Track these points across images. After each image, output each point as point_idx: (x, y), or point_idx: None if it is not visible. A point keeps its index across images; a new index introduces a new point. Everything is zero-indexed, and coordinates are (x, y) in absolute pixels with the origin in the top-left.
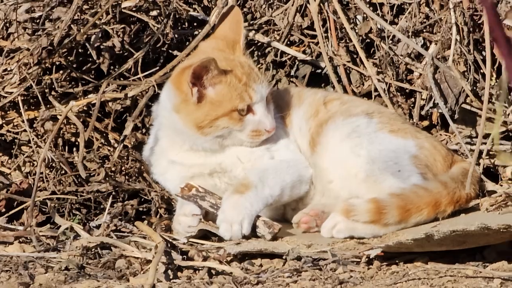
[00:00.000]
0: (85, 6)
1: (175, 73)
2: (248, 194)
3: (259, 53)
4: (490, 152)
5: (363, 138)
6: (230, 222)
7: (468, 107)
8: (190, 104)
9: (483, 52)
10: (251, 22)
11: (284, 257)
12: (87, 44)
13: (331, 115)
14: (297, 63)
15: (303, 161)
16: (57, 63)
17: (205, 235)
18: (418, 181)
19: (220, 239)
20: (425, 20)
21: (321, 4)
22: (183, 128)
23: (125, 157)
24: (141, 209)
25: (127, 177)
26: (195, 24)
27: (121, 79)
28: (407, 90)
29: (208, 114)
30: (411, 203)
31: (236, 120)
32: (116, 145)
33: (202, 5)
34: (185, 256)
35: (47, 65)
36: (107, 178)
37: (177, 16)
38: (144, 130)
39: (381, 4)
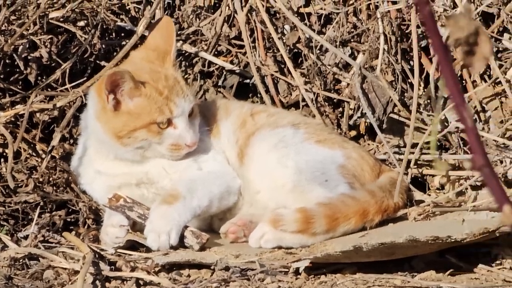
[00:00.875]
0: (13, 17)
1: (98, 80)
2: (177, 205)
3: (187, 63)
4: (418, 162)
5: (290, 148)
6: (158, 232)
7: (396, 116)
8: (108, 112)
9: (411, 62)
10: (178, 32)
11: (212, 267)
12: (14, 55)
13: (258, 127)
14: (224, 73)
15: (231, 172)
16: None
17: (133, 245)
18: (346, 190)
19: (148, 250)
20: (352, 30)
21: (248, 14)
22: (104, 137)
23: (53, 168)
24: (69, 219)
25: (55, 188)
26: (122, 34)
27: (49, 89)
28: (335, 100)
29: (126, 125)
30: (339, 212)
31: (155, 133)
32: (44, 155)
33: (129, 16)
34: (113, 267)
35: None
36: (35, 189)
37: (104, 26)
38: (71, 141)
39: (309, 14)
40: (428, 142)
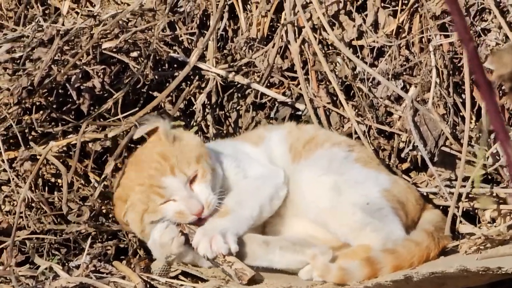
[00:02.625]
0: (66, 47)
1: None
2: (227, 218)
3: (239, 95)
4: (469, 195)
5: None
6: (210, 236)
7: (447, 149)
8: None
9: (463, 95)
10: (231, 64)
11: None
12: (67, 85)
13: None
14: (277, 104)
15: (275, 169)
16: (37, 103)
17: (185, 272)
18: (389, 214)
19: (202, 280)
20: (405, 63)
21: (301, 46)
22: None
23: (105, 198)
24: (120, 248)
25: (106, 218)
26: (175, 65)
27: (101, 119)
28: (387, 133)
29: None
30: (405, 260)
31: (156, 212)
32: (96, 185)
33: (182, 47)
34: None
35: (27, 105)
36: (90, 219)
37: (157, 57)
38: None
39: (361, 47)
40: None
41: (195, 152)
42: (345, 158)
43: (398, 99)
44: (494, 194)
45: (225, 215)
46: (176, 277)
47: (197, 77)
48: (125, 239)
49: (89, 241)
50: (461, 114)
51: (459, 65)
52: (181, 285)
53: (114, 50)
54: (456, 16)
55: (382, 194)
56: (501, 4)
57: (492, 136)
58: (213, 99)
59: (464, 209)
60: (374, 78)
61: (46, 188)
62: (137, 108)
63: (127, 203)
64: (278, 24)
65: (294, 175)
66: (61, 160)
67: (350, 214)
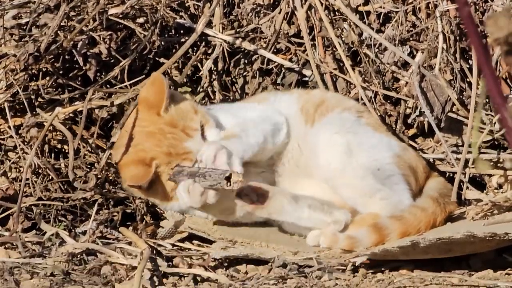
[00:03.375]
0: (72, 13)
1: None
2: (233, 140)
3: (246, 61)
4: (475, 164)
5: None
6: (215, 149)
7: (454, 115)
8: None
9: (470, 61)
10: (237, 30)
11: (270, 263)
12: (73, 51)
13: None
14: (283, 71)
15: (275, 111)
16: (44, 69)
17: (191, 235)
18: (400, 182)
19: (206, 241)
20: (411, 29)
21: (308, 12)
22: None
23: (111, 165)
24: (128, 212)
25: (112, 185)
26: (181, 31)
27: (108, 86)
28: (393, 99)
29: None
30: (411, 226)
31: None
32: (102, 152)
33: (189, 13)
34: (170, 263)
35: (33, 71)
36: (95, 186)
37: (163, 23)
38: None
39: (368, 12)
40: (486, 141)
41: (189, 106)
42: (355, 122)
43: (405, 65)
44: (501, 160)
45: (231, 137)
46: (182, 241)
47: (203, 43)
48: (131, 205)
49: (95, 207)
50: (468, 80)
51: (465, 31)
52: (188, 248)
53: (121, 16)
54: None
55: (394, 160)
56: None
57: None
58: (220, 65)
59: (471, 175)
60: (380, 44)
61: (53, 155)
62: (143, 75)
63: (152, 167)
64: None
65: (307, 137)
66: (67, 127)
67: (360, 177)
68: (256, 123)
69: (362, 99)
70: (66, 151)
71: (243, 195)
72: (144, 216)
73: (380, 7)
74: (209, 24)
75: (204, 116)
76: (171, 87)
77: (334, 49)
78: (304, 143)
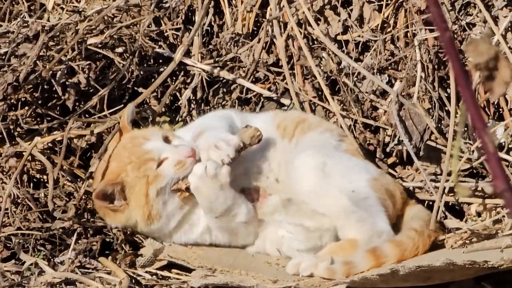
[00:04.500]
0: (51, 43)
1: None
2: (207, 132)
3: (225, 90)
4: (455, 190)
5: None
6: (213, 142)
7: (433, 144)
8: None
9: (448, 89)
10: (216, 59)
11: None
12: (52, 80)
13: (311, 122)
14: (262, 99)
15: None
16: (23, 99)
17: (170, 264)
18: (374, 203)
19: (184, 269)
20: (390, 57)
21: (287, 41)
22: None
23: (90, 194)
24: (107, 241)
25: (91, 214)
26: (160, 61)
27: (86, 115)
28: (372, 127)
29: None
30: (408, 254)
31: (158, 177)
32: (81, 182)
33: (167, 42)
34: None
35: (12, 101)
36: (74, 216)
37: (142, 53)
38: None
39: (347, 41)
40: (464, 170)
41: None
42: (336, 147)
43: (384, 94)
44: (480, 188)
45: (202, 134)
46: (161, 269)
47: (182, 73)
48: (110, 234)
49: (74, 237)
50: (446, 108)
51: (444, 59)
52: (167, 277)
53: (100, 45)
54: (431, 6)
55: (370, 183)
56: None
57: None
58: (199, 95)
59: (450, 204)
60: (359, 73)
61: (31, 184)
62: (122, 105)
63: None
64: (264, 19)
65: (286, 153)
66: (46, 157)
67: (335, 199)
68: (212, 118)
69: (341, 127)
70: (45, 180)
71: (246, 195)
72: (123, 246)
73: (359, 36)
74: (188, 54)
75: (167, 132)
76: (150, 116)
77: (313, 77)
78: (282, 158)
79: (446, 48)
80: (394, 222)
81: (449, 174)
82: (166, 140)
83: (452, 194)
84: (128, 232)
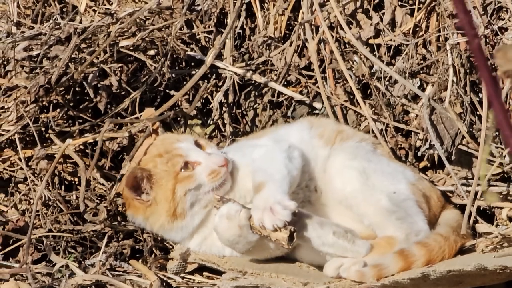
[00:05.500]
0: (83, 45)
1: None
2: (267, 188)
3: (256, 93)
4: (484, 195)
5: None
6: (267, 208)
7: (464, 148)
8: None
9: (480, 94)
10: (248, 63)
11: None
12: (84, 83)
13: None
14: (293, 103)
15: (275, 139)
16: (54, 101)
17: (201, 267)
18: (413, 206)
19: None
20: (422, 62)
21: (319, 44)
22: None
23: (121, 196)
24: (137, 247)
25: (123, 218)
26: (192, 64)
27: (118, 118)
28: (403, 131)
29: (166, 200)
30: (436, 255)
31: (188, 178)
32: (112, 184)
33: (199, 45)
34: None
35: (44, 103)
36: (106, 219)
37: (174, 55)
38: None
39: (378, 45)
40: (496, 174)
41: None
42: (373, 151)
43: (415, 98)
44: (499, 201)
45: (262, 188)
46: (192, 273)
47: (214, 76)
48: (140, 239)
49: (105, 240)
50: (478, 113)
51: (475, 63)
52: (198, 281)
53: (131, 48)
54: (460, 13)
55: (408, 186)
56: None
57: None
58: (230, 98)
59: (481, 208)
60: (391, 77)
61: (63, 187)
62: (154, 107)
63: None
64: (295, 23)
65: (327, 162)
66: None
67: (377, 198)
68: (269, 159)
69: (373, 131)
70: (76, 183)
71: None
72: (153, 249)
73: (391, 40)
74: (220, 57)
75: (200, 139)
76: (182, 119)
77: (345, 81)
78: (322, 166)
79: (474, 55)
80: (430, 224)
81: (481, 178)
82: (197, 145)
83: (483, 199)
84: (159, 238)
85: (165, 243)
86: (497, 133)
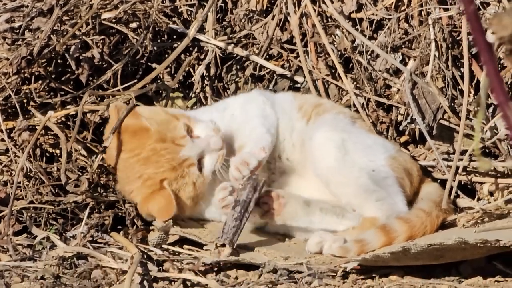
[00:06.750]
0: (65, 17)
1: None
2: (247, 146)
3: (238, 67)
4: (467, 169)
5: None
6: (241, 160)
7: (446, 123)
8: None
9: (462, 69)
10: (230, 36)
11: (260, 269)
12: (66, 55)
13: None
14: (275, 77)
15: (251, 94)
16: (36, 73)
17: (183, 239)
18: (394, 184)
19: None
20: (404, 36)
21: (301, 18)
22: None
23: (103, 169)
24: (119, 216)
25: (103, 189)
26: (174, 36)
27: (100, 90)
28: (385, 106)
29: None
30: (417, 230)
31: (203, 180)
32: (94, 156)
33: (181, 18)
34: (161, 267)
35: (26, 75)
36: (87, 190)
37: (156, 28)
38: None
39: (361, 20)
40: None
41: (168, 116)
42: (351, 124)
43: (397, 72)
44: (492, 168)
45: (243, 147)
46: (173, 245)
47: (196, 49)
48: (122, 209)
49: (87, 211)
50: (459, 87)
51: (458, 38)
52: (179, 253)
53: (114, 20)
54: None
55: (389, 161)
56: None
57: (490, 109)
58: (212, 71)
59: (462, 183)
60: (373, 51)
61: (44, 158)
62: (135, 80)
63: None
64: None
65: (303, 134)
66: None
67: (355, 177)
68: (244, 119)
69: (354, 105)
70: (58, 155)
71: (262, 203)
72: (135, 221)
73: (373, 14)
74: (202, 30)
75: (184, 117)
76: (164, 91)
77: (327, 55)
78: (299, 138)
79: (470, 21)
80: (411, 199)
81: (462, 153)
82: (188, 130)
83: (464, 173)
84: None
85: None
86: (478, 108)
